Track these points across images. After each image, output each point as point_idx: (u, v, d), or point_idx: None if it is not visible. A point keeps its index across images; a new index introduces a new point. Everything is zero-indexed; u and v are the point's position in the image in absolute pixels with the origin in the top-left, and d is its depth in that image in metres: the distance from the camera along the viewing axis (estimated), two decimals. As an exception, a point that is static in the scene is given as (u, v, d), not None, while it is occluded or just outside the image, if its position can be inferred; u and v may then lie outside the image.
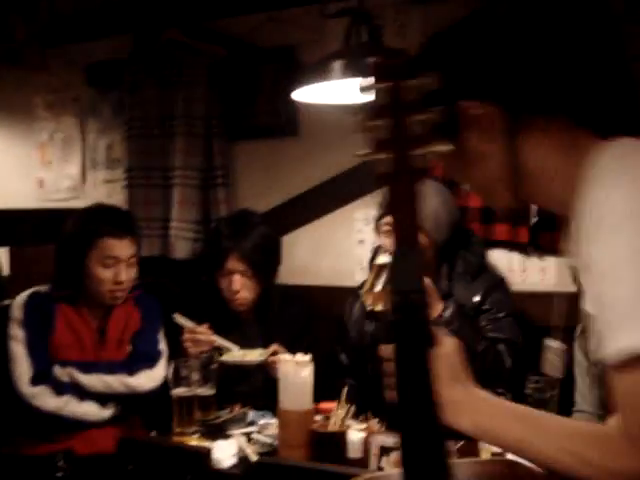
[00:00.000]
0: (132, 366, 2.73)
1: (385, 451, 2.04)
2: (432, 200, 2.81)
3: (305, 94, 2.56)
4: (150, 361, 2.77)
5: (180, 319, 2.80)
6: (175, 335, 2.81)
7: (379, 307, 2.60)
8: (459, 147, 1.19)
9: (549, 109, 1.16)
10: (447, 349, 1.17)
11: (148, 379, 2.73)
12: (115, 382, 2.68)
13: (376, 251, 3.00)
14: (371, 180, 3.53)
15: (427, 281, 2.54)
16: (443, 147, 1.11)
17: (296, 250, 3.41)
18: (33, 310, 2.73)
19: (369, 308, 2.66)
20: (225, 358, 2.75)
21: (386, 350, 1.19)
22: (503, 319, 2.77)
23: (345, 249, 3.43)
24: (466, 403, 1.14)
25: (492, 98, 1.17)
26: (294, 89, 2.53)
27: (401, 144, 1.13)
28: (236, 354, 2.77)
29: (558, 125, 1.17)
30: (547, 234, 2.99)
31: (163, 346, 2.85)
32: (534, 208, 2.98)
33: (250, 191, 3.58)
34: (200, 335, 2.77)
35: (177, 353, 2.74)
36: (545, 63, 1.15)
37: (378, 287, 2.54)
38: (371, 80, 1.11)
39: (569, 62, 1.15)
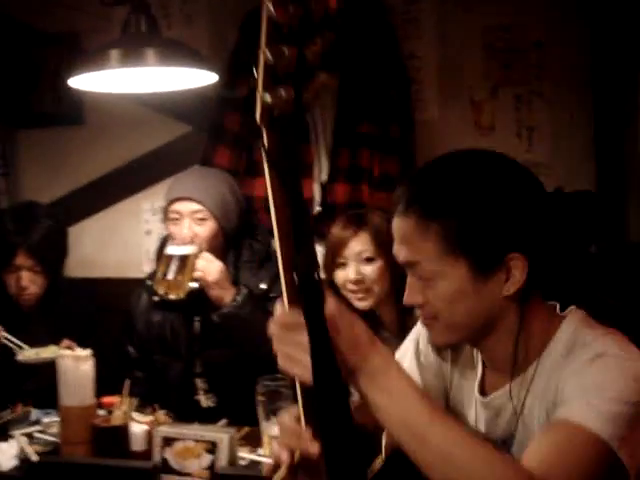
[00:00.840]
0: None
1: (168, 442, 2.06)
2: (220, 187, 2.86)
3: (85, 82, 2.51)
4: None
5: None
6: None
7: (173, 295, 2.62)
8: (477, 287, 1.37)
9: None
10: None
11: None
12: None
13: (165, 240, 3.00)
14: (158, 171, 3.56)
15: (221, 267, 2.60)
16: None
17: (82, 242, 3.36)
18: None
19: (165, 296, 2.66)
20: (21, 358, 2.67)
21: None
22: None
23: (132, 240, 3.42)
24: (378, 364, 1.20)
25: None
26: (74, 76, 2.48)
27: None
28: (30, 353, 2.69)
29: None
30: (329, 223, 3.10)
31: None
32: (317, 197, 3.11)
33: (33, 181, 3.49)
34: None
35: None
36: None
37: (170, 275, 2.57)
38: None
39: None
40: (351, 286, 2.45)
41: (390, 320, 2.50)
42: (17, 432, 2.38)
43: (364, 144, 3.02)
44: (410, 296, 1.44)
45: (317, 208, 3.12)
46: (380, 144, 3.00)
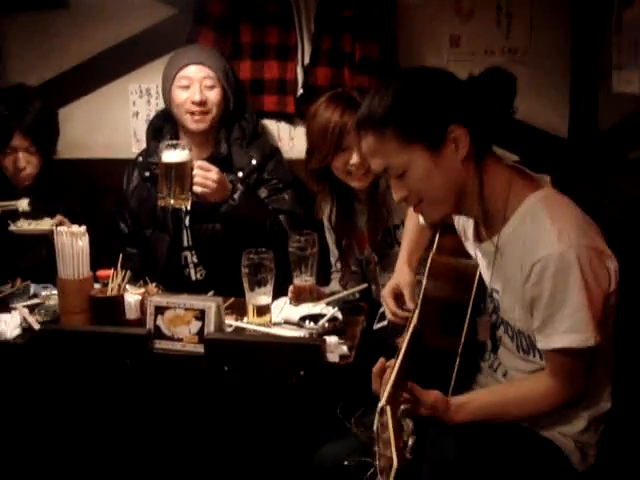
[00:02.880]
0: None
1: (160, 311, 2.20)
2: (223, 59, 2.98)
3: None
4: None
5: None
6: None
7: (177, 207, 2.70)
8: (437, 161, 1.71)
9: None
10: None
11: None
12: None
13: (154, 120, 3.08)
14: (144, 53, 3.58)
15: (218, 175, 2.67)
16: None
17: (71, 124, 3.39)
18: None
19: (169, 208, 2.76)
20: (15, 229, 2.75)
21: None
22: (283, 191, 2.98)
23: (120, 122, 3.46)
24: (458, 415, 1.75)
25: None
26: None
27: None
28: (23, 224, 2.78)
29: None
30: (310, 104, 3.17)
31: None
32: (300, 79, 3.17)
33: (21, 65, 3.47)
34: None
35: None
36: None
37: (171, 188, 2.58)
38: None
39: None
40: (352, 169, 2.58)
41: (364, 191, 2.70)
42: (18, 304, 2.51)
43: (346, 28, 3.06)
44: (397, 194, 1.80)
45: (300, 90, 3.18)
46: (362, 28, 3.04)
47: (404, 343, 1.81)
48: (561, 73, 3.05)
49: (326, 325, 2.27)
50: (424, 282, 2.00)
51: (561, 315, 1.66)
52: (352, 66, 3.07)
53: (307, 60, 3.13)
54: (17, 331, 2.35)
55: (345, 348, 2.18)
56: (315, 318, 2.31)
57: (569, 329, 1.66)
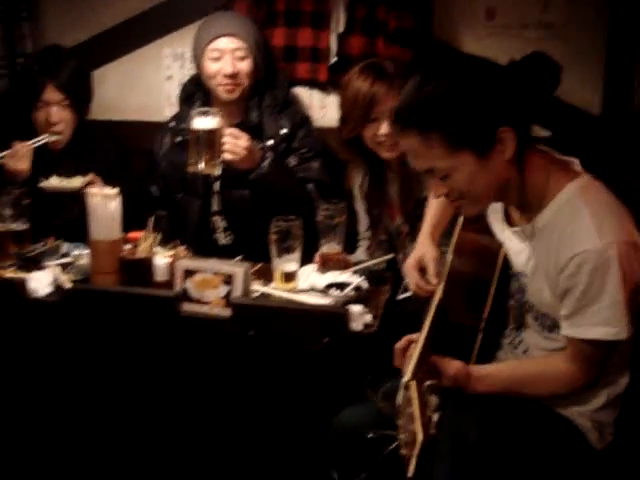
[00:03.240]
0: None
1: (188, 274, 2.24)
2: (254, 28, 2.97)
3: None
4: None
5: None
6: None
7: (206, 173, 2.72)
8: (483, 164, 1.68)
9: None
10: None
11: None
12: None
13: (187, 85, 3.10)
14: (178, 17, 3.59)
15: (247, 143, 2.69)
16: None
17: (105, 86, 3.41)
18: None
19: (205, 172, 2.74)
20: (45, 185, 2.81)
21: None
22: (312, 160, 3.00)
23: (154, 85, 3.47)
24: (478, 385, 1.78)
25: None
26: None
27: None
28: (55, 181, 2.84)
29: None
30: (344, 73, 3.17)
31: None
32: (333, 48, 3.17)
33: (56, 26, 3.50)
34: (20, 150, 2.81)
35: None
36: None
37: (201, 154, 2.61)
38: None
39: None
40: (382, 138, 2.60)
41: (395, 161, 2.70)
42: (50, 263, 2.56)
43: (381, -2, 3.06)
44: (436, 191, 1.80)
45: (333, 58, 3.18)
46: (397, -1, 3.04)
47: (428, 318, 1.83)
48: (597, 49, 3.02)
49: (351, 293, 2.30)
50: (449, 257, 2.02)
51: (595, 308, 1.67)
52: (386, 36, 3.06)
53: (341, 29, 3.12)
54: (49, 289, 2.39)
55: (369, 317, 2.21)
56: (340, 286, 2.34)
57: (602, 322, 1.67)
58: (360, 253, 2.89)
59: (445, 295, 1.96)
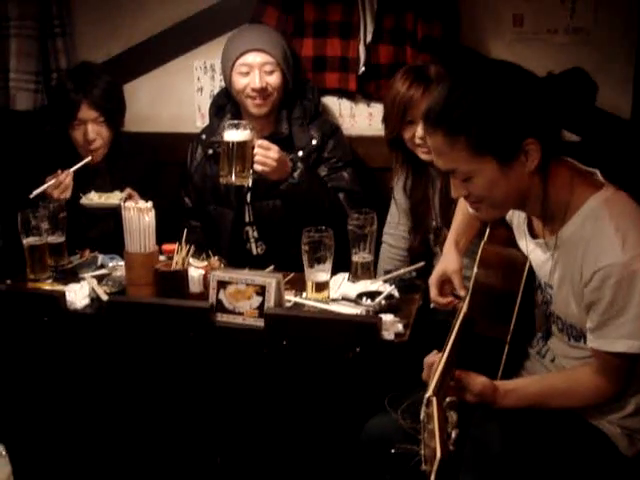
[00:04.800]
0: None
1: (222, 285, 2.27)
2: (282, 41, 3.01)
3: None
4: None
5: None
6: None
7: (238, 184, 2.74)
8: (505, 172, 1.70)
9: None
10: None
11: None
12: None
13: (218, 98, 3.14)
14: (208, 30, 3.60)
15: (278, 154, 2.72)
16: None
17: (137, 99, 3.47)
18: None
19: (237, 184, 2.76)
20: (86, 202, 2.86)
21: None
22: (342, 169, 3.02)
23: (185, 97, 3.52)
24: (505, 400, 1.79)
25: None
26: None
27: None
28: (94, 197, 2.89)
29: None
30: (373, 82, 3.20)
31: None
32: (362, 57, 3.19)
33: (89, 40, 3.55)
34: (64, 180, 2.85)
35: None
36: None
37: (232, 166, 2.64)
38: None
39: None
40: (419, 141, 2.62)
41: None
42: (86, 275, 2.61)
43: (409, 6, 3.06)
44: (455, 191, 1.81)
45: (362, 68, 3.20)
46: (424, 7, 3.04)
47: (453, 332, 1.84)
48: (626, 54, 3.00)
49: (382, 302, 2.31)
50: (475, 270, 2.03)
51: (620, 321, 1.68)
52: (414, 44, 3.08)
53: (369, 38, 3.14)
54: (86, 301, 2.44)
55: (400, 326, 2.22)
56: (372, 295, 2.36)
57: (628, 335, 1.68)
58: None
59: (471, 308, 1.97)
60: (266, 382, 2.35)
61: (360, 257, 2.54)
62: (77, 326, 2.43)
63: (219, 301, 2.28)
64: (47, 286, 2.56)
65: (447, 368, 1.67)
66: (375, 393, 2.09)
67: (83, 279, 2.58)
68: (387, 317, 2.22)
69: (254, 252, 3.10)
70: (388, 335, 2.18)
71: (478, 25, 3.13)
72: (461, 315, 1.94)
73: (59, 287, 2.51)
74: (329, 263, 2.40)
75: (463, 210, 2.32)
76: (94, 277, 2.59)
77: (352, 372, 2.21)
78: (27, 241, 2.60)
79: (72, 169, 2.88)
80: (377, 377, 2.18)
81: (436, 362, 1.76)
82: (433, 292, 2.26)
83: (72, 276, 2.62)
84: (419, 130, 2.58)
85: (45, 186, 2.83)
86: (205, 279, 2.39)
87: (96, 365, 2.47)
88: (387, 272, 2.61)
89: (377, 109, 3.24)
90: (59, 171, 2.87)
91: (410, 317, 2.30)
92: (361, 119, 3.29)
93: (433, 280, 2.28)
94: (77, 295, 2.44)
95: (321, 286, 2.40)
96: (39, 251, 2.62)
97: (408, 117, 2.62)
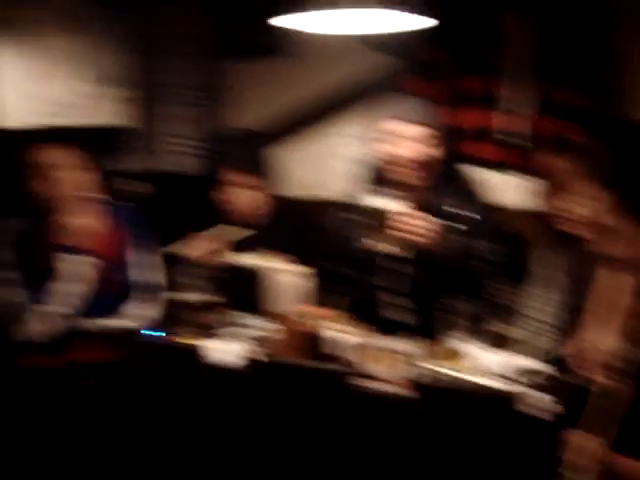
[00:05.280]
0: None
1: (363, 349, 2.33)
2: (429, 114, 2.98)
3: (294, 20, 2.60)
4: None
5: None
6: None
7: (390, 250, 2.78)
8: None
9: None
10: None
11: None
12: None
13: (375, 169, 3.17)
14: (355, 99, 3.60)
15: (422, 218, 2.72)
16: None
17: (286, 165, 3.52)
18: None
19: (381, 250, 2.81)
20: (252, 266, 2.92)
21: None
22: (485, 237, 2.92)
23: (333, 164, 3.60)
24: None
25: None
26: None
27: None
28: (254, 259, 2.94)
29: None
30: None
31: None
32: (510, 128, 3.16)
33: (241, 110, 3.68)
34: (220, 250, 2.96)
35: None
36: None
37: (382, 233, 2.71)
38: None
39: None
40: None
41: None
42: (225, 332, 2.65)
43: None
44: None
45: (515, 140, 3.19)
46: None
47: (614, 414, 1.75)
48: None
49: (537, 381, 2.26)
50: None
51: None
52: (573, 118, 3.06)
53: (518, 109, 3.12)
54: (235, 359, 2.47)
55: (553, 405, 2.16)
56: (527, 372, 2.31)
57: None
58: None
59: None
60: (403, 448, 2.31)
61: (497, 327, 2.50)
62: (225, 384, 2.48)
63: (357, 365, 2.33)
64: (187, 340, 2.60)
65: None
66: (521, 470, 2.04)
67: (228, 338, 2.61)
68: (541, 396, 2.17)
69: (392, 318, 3.08)
70: (540, 413, 2.13)
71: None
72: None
73: (198, 342, 2.56)
74: (464, 331, 2.40)
75: None
76: (249, 338, 2.61)
77: (497, 446, 2.16)
78: (178, 297, 2.68)
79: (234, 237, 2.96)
80: (523, 454, 2.12)
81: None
82: None
83: (210, 332, 2.65)
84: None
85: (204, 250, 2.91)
86: (358, 346, 2.42)
87: (240, 424, 2.50)
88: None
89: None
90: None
91: (563, 395, 2.22)
92: (508, 190, 3.26)
93: None
94: (226, 354, 2.49)
95: (454, 354, 2.40)
96: (181, 307, 2.69)
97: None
